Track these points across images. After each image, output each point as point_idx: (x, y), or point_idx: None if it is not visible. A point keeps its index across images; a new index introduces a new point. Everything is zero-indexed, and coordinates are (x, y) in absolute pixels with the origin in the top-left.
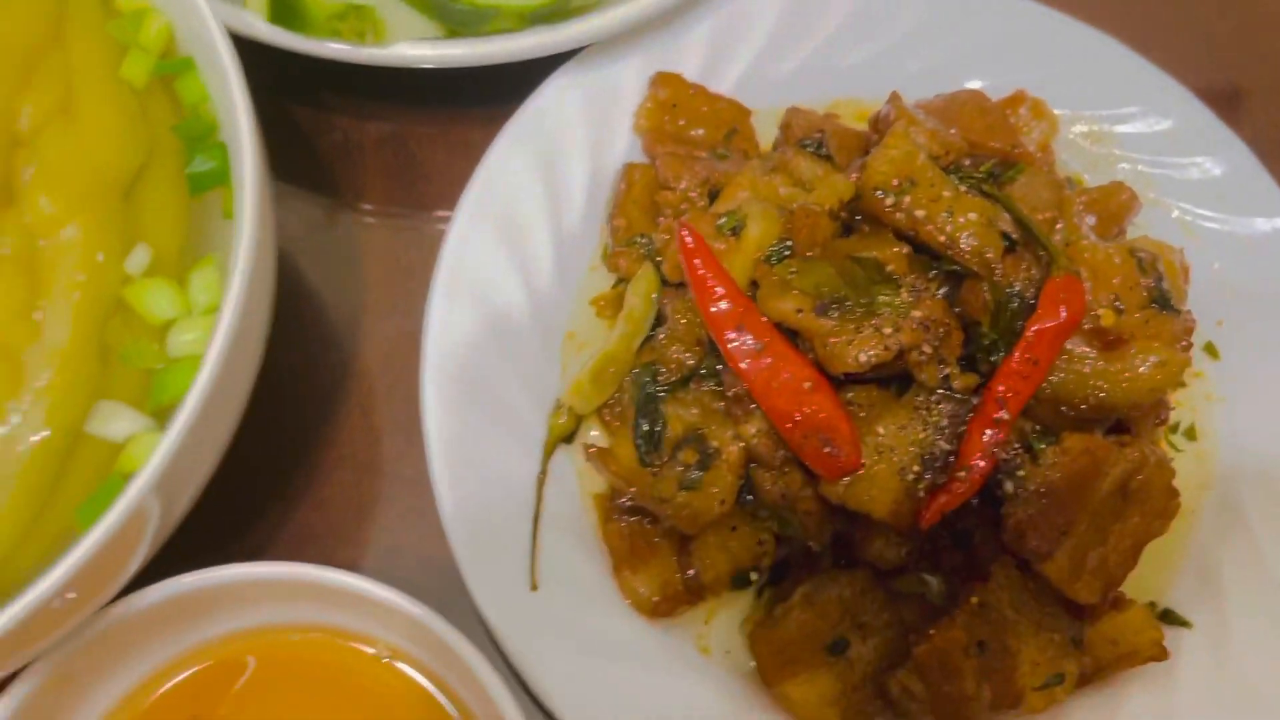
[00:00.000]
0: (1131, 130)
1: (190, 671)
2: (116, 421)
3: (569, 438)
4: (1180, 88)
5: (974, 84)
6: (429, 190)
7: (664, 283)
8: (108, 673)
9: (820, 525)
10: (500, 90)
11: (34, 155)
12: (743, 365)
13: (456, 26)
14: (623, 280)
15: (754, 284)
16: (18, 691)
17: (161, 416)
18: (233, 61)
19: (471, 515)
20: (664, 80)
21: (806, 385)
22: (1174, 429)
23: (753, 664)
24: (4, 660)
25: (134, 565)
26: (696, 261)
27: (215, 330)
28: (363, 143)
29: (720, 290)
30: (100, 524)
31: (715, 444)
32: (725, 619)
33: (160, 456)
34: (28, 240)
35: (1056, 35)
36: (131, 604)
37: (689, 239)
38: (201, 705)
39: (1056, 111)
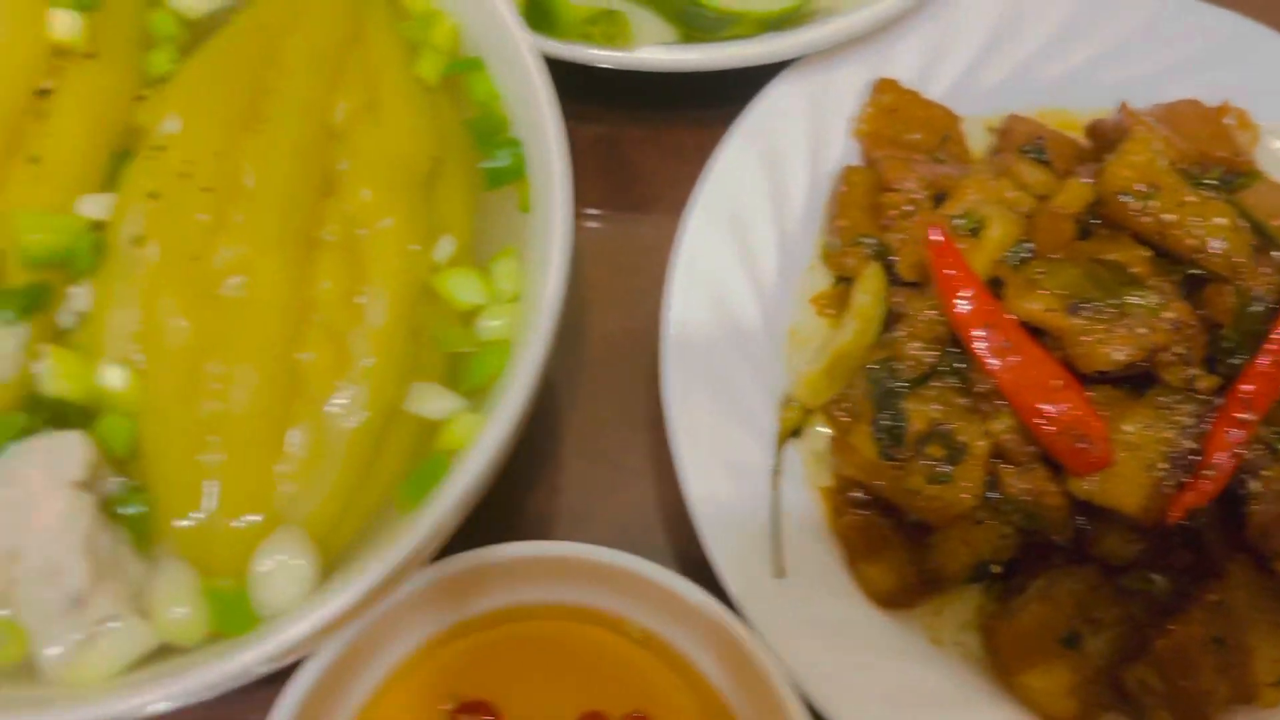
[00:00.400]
0: None
1: (451, 647)
2: (434, 402)
3: (797, 432)
4: None
5: (1174, 94)
6: (643, 192)
7: (896, 281)
8: (389, 643)
9: (1065, 520)
10: (709, 95)
11: (348, 149)
12: (991, 363)
13: (697, 31)
14: (842, 279)
15: (995, 282)
16: (323, 658)
17: (474, 398)
18: (536, 61)
19: (715, 503)
20: (886, 86)
21: (1057, 383)
22: None
23: (984, 653)
24: (335, 628)
25: (440, 542)
26: (944, 261)
27: (538, 316)
28: (578, 145)
29: (968, 290)
30: (443, 498)
31: (963, 439)
32: (953, 613)
33: (495, 435)
34: (348, 229)
35: (1257, 47)
36: (422, 578)
37: (938, 238)
38: (463, 681)
39: (1257, 123)
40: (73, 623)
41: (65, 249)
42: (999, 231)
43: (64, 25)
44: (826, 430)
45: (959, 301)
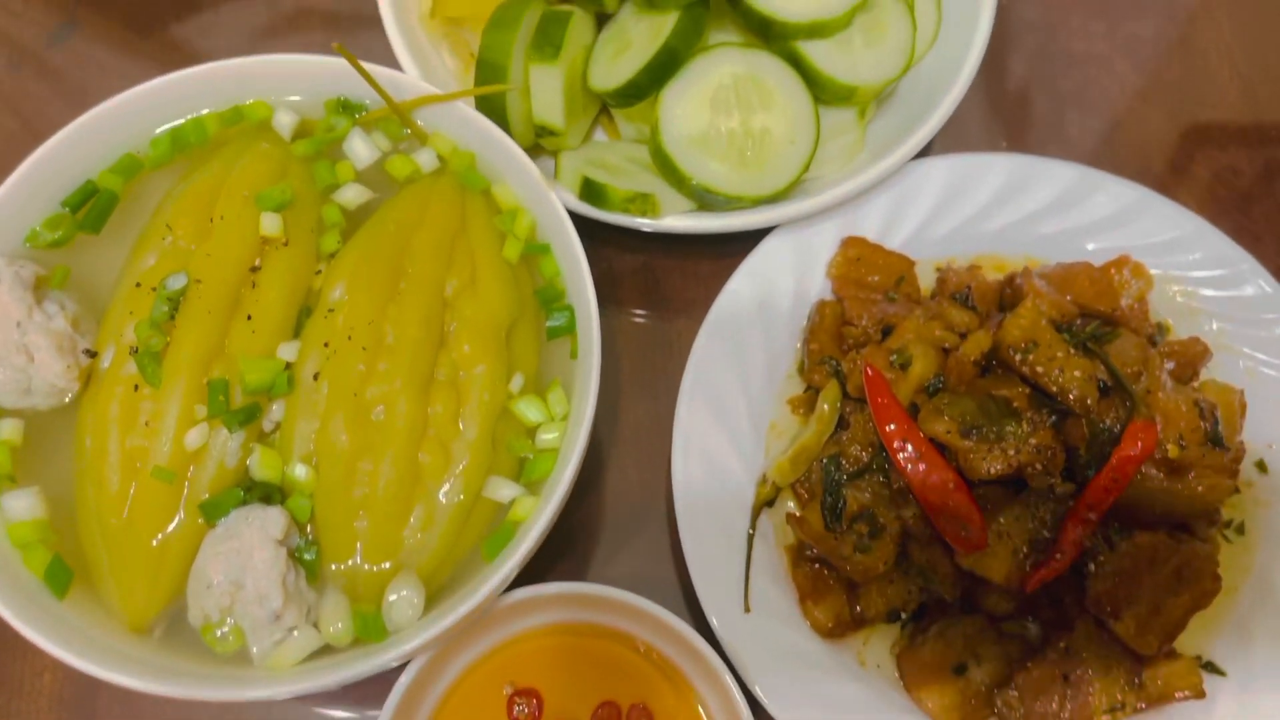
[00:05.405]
0: (1213, 294)
1: (509, 650)
2: (505, 489)
3: (770, 503)
4: (1254, 261)
5: (1089, 245)
6: (669, 308)
7: (846, 395)
8: (466, 648)
9: (954, 583)
10: (722, 241)
11: (455, 314)
12: (906, 468)
13: (707, 207)
14: (813, 388)
15: (914, 405)
16: (422, 658)
17: (532, 488)
18: (581, 252)
19: (704, 554)
20: (852, 242)
21: (950, 485)
22: (1228, 525)
23: (897, 675)
24: (439, 641)
25: (508, 583)
26: (876, 391)
27: (575, 434)
28: (622, 271)
29: (893, 415)
30: (511, 556)
31: (882, 521)
32: (877, 642)
33: (547, 513)
34: (454, 372)
35: (1158, 212)
36: (491, 605)
37: (871, 374)
38: (518, 674)
39: (1153, 271)
40: (272, 630)
41: (270, 383)
42: (920, 367)
43: (270, 224)
44: (792, 504)
45: (887, 422)
